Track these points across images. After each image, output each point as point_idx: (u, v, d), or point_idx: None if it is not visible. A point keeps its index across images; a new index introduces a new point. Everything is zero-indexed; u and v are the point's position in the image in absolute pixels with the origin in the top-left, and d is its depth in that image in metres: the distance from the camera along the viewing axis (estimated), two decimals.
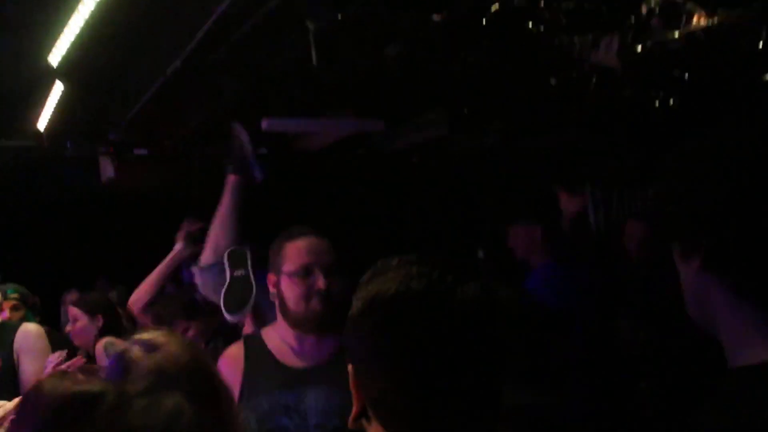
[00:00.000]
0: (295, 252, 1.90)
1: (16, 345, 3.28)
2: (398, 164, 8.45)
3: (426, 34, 3.90)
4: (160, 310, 3.46)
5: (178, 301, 3.56)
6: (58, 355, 2.92)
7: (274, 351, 1.92)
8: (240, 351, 1.97)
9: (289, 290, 1.88)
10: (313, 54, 3.83)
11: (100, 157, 6.19)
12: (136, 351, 1.24)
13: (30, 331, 3.42)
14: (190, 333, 3.37)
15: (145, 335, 1.30)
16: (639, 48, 3.63)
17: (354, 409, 0.93)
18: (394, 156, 8.32)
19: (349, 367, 0.93)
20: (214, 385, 1.25)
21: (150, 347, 1.24)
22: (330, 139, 7.09)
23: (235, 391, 1.85)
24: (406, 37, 4.00)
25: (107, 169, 6.14)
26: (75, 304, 3.43)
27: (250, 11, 3.61)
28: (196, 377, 1.22)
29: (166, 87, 4.36)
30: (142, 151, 6.12)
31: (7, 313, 4.03)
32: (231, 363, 1.94)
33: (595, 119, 5.99)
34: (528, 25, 3.37)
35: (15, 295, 4.23)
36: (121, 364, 1.21)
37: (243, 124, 2.88)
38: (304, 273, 1.86)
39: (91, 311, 3.35)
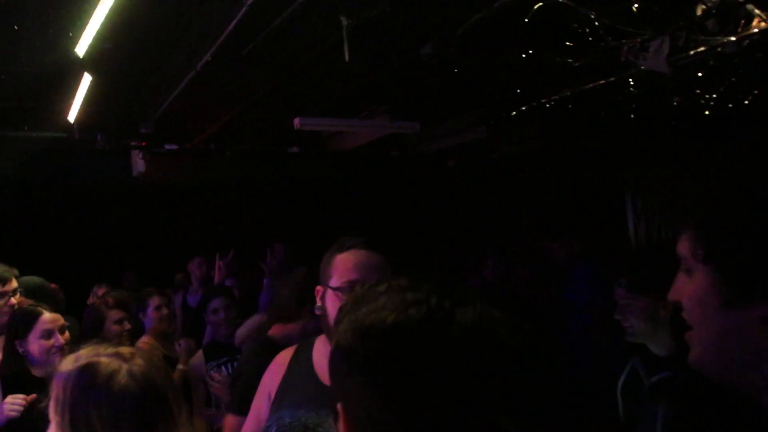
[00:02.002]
0: (342, 266, 1.73)
1: None
2: (433, 167, 8.30)
3: (463, 33, 3.72)
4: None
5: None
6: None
7: (315, 363, 1.78)
8: (287, 356, 1.88)
9: (332, 306, 1.71)
10: (345, 50, 3.69)
11: (131, 151, 6.18)
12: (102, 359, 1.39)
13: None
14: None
15: (114, 348, 1.44)
16: (691, 52, 3.39)
17: None
18: (430, 158, 8.17)
19: (338, 405, 0.86)
20: (162, 398, 1.39)
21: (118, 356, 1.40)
22: (364, 140, 6.97)
23: (271, 396, 1.80)
24: (442, 36, 3.82)
25: (138, 163, 6.13)
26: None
27: (282, 3, 3.49)
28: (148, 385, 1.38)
29: (196, 81, 4.26)
30: (173, 146, 6.08)
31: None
32: (274, 368, 1.87)
33: (639, 126, 5.74)
34: (573, 25, 3.17)
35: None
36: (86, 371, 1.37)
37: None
38: (349, 290, 1.68)
39: None
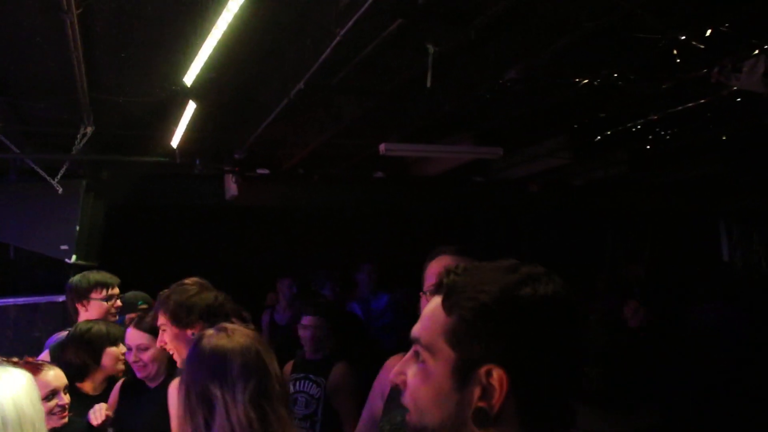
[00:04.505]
0: (430, 272, 1.89)
1: None
2: (516, 193, 8.27)
3: (548, 58, 3.76)
4: None
5: None
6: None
7: None
8: (398, 359, 2.02)
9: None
10: (428, 77, 3.80)
11: (225, 175, 6.51)
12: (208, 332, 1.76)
13: None
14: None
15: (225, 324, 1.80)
16: None
17: (496, 405, 0.96)
18: (513, 184, 8.15)
19: (492, 372, 0.98)
20: (261, 366, 1.72)
21: (220, 329, 1.77)
22: (447, 166, 7.05)
23: (384, 395, 1.96)
24: (526, 62, 3.87)
25: (231, 186, 6.44)
26: (138, 326, 2.85)
27: (372, 33, 3.64)
28: (248, 354, 1.70)
29: (288, 109, 4.48)
30: (264, 171, 6.36)
31: None
32: (387, 369, 2.02)
33: (734, 149, 5.56)
34: (659, 43, 3.16)
35: (144, 306, 3.88)
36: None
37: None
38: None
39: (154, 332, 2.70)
